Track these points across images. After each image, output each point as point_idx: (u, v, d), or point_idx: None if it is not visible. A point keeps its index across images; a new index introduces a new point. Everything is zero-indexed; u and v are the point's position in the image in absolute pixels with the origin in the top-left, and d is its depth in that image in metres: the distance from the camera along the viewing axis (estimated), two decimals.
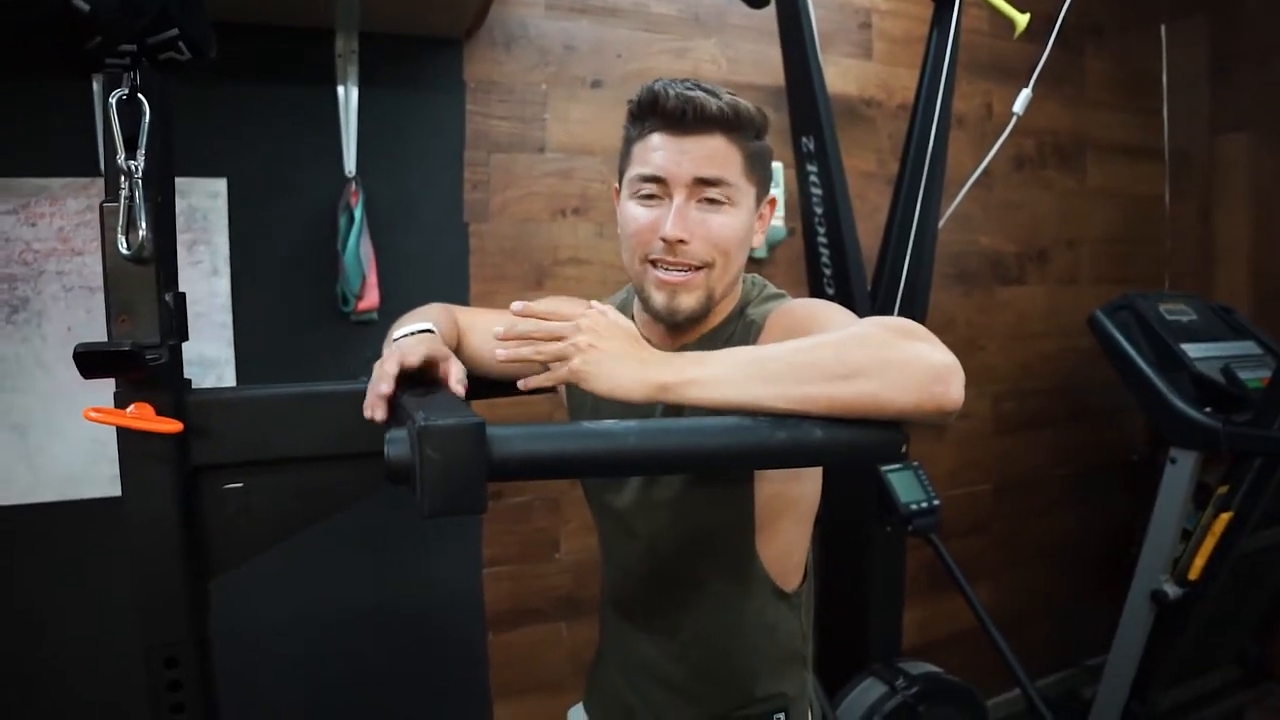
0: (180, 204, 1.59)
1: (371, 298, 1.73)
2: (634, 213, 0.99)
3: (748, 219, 1.00)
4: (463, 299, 1.86)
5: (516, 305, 0.88)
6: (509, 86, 1.91)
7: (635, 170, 0.99)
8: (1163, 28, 2.92)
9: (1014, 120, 1.99)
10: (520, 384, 0.89)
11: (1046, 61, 1.99)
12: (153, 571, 0.91)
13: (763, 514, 1.03)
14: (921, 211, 1.96)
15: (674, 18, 2.07)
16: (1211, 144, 2.81)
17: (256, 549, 0.99)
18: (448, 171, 1.86)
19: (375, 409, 0.84)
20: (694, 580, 1.07)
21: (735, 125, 0.96)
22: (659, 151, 0.96)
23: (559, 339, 0.83)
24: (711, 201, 0.96)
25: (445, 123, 1.85)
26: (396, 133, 1.80)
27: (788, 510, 1.07)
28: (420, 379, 0.89)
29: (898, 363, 0.77)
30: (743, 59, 2.15)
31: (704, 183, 0.95)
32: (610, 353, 0.82)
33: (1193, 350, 2.19)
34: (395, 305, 1.74)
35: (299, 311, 1.73)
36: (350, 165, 1.72)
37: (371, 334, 1.76)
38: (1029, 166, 2.66)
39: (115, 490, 0.90)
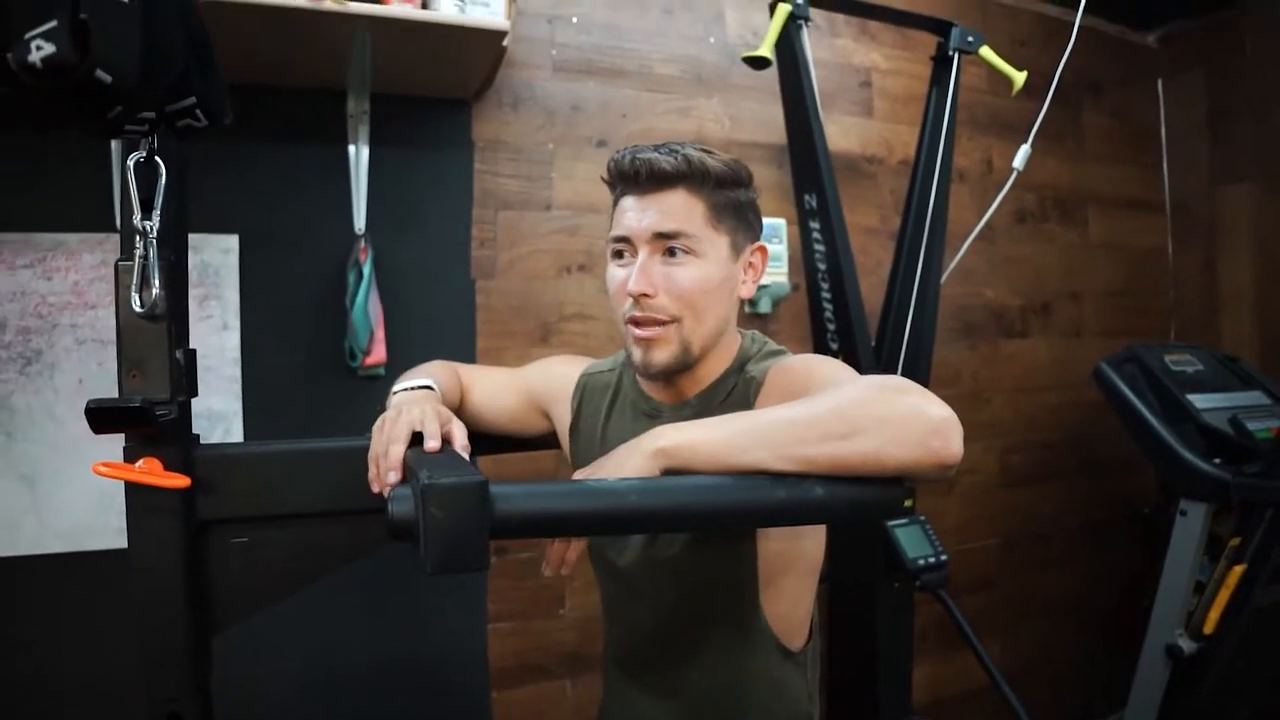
0: (193, 259, 1.63)
1: (379, 353, 1.75)
2: (611, 274, 1.03)
3: (718, 269, 1.01)
4: (469, 355, 1.88)
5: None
6: (516, 146, 1.95)
7: (610, 233, 1.04)
8: (1160, 83, 2.97)
9: (1014, 175, 2.03)
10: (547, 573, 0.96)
11: (1046, 117, 2.03)
12: (158, 625, 0.91)
13: (766, 572, 1.03)
14: (924, 266, 1.99)
15: (677, 78, 2.12)
16: (1213, 195, 2.83)
17: (261, 604, 0.99)
18: (456, 229, 1.89)
19: (386, 478, 0.85)
20: (697, 639, 1.06)
21: (691, 177, 0.99)
22: (627, 213, 1.00)
23: None
24: (672, 253, 0.99)
25: (454, 181, 1.89)
26: (406, 191, 1.84)
27: (791, 568, 1.07)
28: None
29: (896, 419, 0.78)
30: (745, 118, 2.19)
31: (662, 236, 0.98)
32: (604, 461, 0.88)
33: (1200, 401, 2.18)
34: (402, 360, 1.74)
35: (307, 366, 1.75)
36: (360, 223, 1.75)
37: (379, 389, 1.75)
38: (1031, 220, 2.69)
39: (122, 542, 0.91)
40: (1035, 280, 2.70)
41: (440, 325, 1.87)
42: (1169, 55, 2.96)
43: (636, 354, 1.01)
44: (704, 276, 0.99)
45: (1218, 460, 2.04)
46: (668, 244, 0.98)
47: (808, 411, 0.81)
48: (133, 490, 0.90)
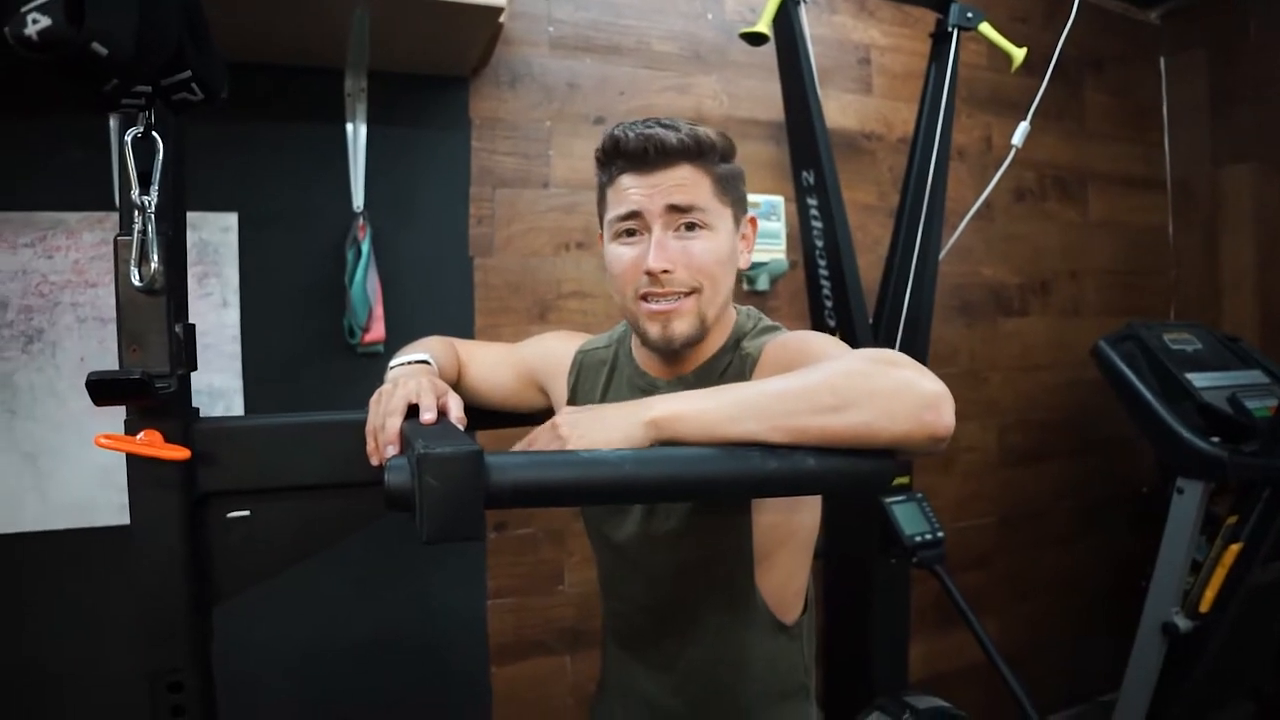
0: (192, 237, 1.64)
1: (378, 330, 1.76)
2: (617, 253, 1.02)
3: (727, 241, 1.02)
4: (468, 332, 1.89)
5: None
6: (514, 123, 1.95)
7: (612, 212, 1.02)
8: (1162, 61, 2.96)
9: (1013, 152, 2.02)
10: None
11: (1046, 95, 2.02)
12: (158, 597, 0.93)
13: (761, 545, 1.04)
14: (922, 243, 1.98)
15: (675, 55, 2.11)
16: (1214, 175, 2.83)
17: (261, 576, 1.01)
18: (453, 207, 1.89)
19: (385, 452, 0.86)
20: (692, 612, 1.07)
21: (698, 153, 0.99)
22: (631, 190, 0.99)
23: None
24: (689, 227, 0.99)
25: (451, 159, 1.89)
26: (404, 169, 1.84)
27: (787, 540, 1.07)
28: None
29: (887, 392, 0.78)
30: (744, 95, 2.19)
31: (678, 210, 0.98)
32: (592, 416, 0.85)
33: (1199, 380, 2.19)
34: (401, 337, 1.75)
35: (306, 343, 1.76)
36: (358, 200, 1.76)
37: (377, 365, 1.77)
38: (1030, 198, 2.68)
39: (123, 518, 0.92)
40: (1034, 258, 2.70)
41: (438, 303, 1.88)
42: (1171, 33, 2.94)
43: (654, 330, 1.00)
44: (718, 248, 1.00)
45: (1216, 439, 2.04)
46: (683, 218, 0.98)
47: (800, 383, 0.81)
48: (133, 462, 0.91)
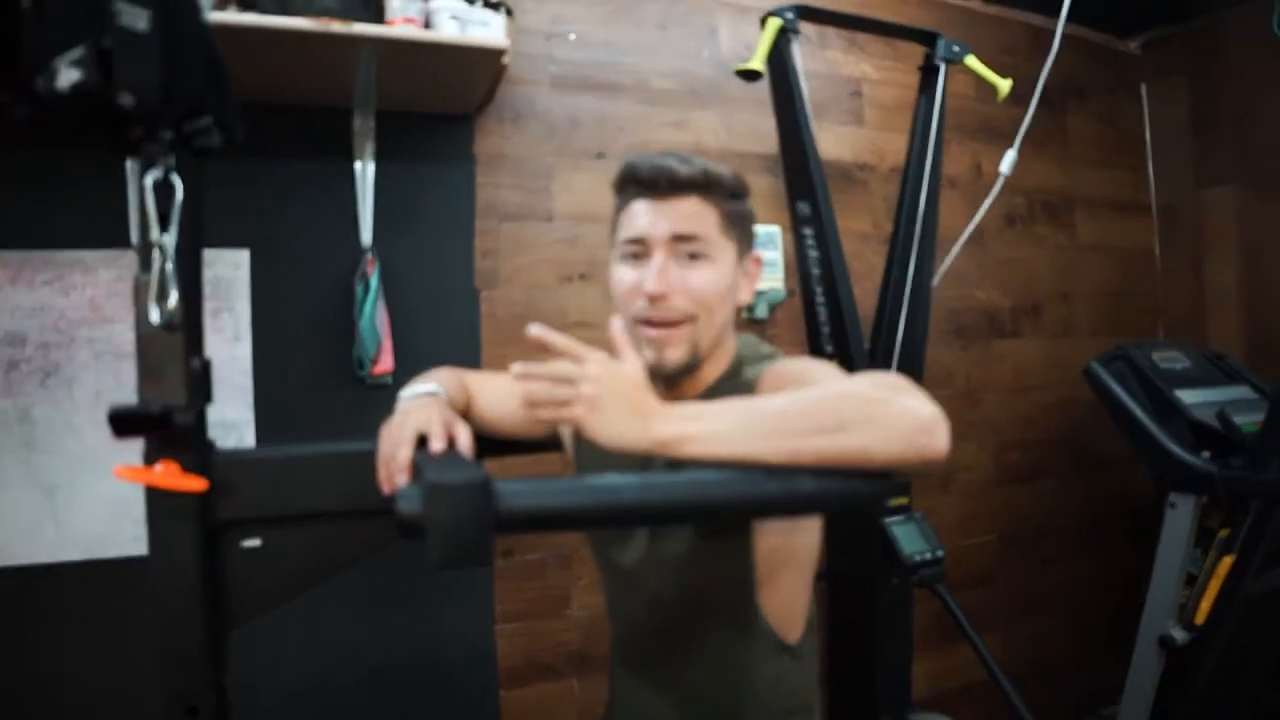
0: (205, 274, 1.67)
1: (386, 362, 1.80)
2: (620, 275, 1.06)
3: (728, 274, 1.06)
4: (474, 363, 1.93)
5: (533, 329, 0.93)
6: (517, 159, 2.01)
7: (620, 235, 1.07)
8: (1143, 87, 3.03)
9: (1001, 180, 2.08)
10: (526, 407, 0.91)
11: (1033, 123, 2.08)
12: (176, 621, 0.96)
13: (764, 566, 1.06)
14: (916, 270, 2.03)
15: (673, 92, 2.18)
16: (1198, 197, 2.88)
17: (275, 602, 1.04)
18: (459, 240, 1.95)
19: (397, 479, 0.89)
20: (697, 634, 1.09)
21: (707, 187, 1.04)
22: (640, 216, 1.04)
23: (569, 382, 0.87)
24: (691, 257, 1.03)
25: (457, 194, 1.95)
26: (411, 204, 1.89)
27: (789, 562, 1.10)
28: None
29: (884, 416, 0.81)
30: (740, 129, 2.25)
31: (681, 239, 1.02)
32: (613, 404, 0.86)
33: (1188, 397, 2.23)
34: (409, 369, 1.78)
35: (317, 375, 1.80)
36: (366, 236, 1.81)
37: (387, 396, 1.79)
38: (1020, 224, 2.74)
39: (138, 549, 0.95)
40: (1026, 282, 2.75)
41: (446, 334, 1.93)
42: (1152, 61, 3.01)
43: (648, 354, 1.03)
44: (718, 279, 1.04)
45: (1206, 454, 2.08)
46: (685, 247, 1.02)
47: (800, 403, 0.83)
48: (152, 493, 0.94)
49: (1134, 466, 2.76)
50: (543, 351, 0.95)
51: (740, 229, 1.09)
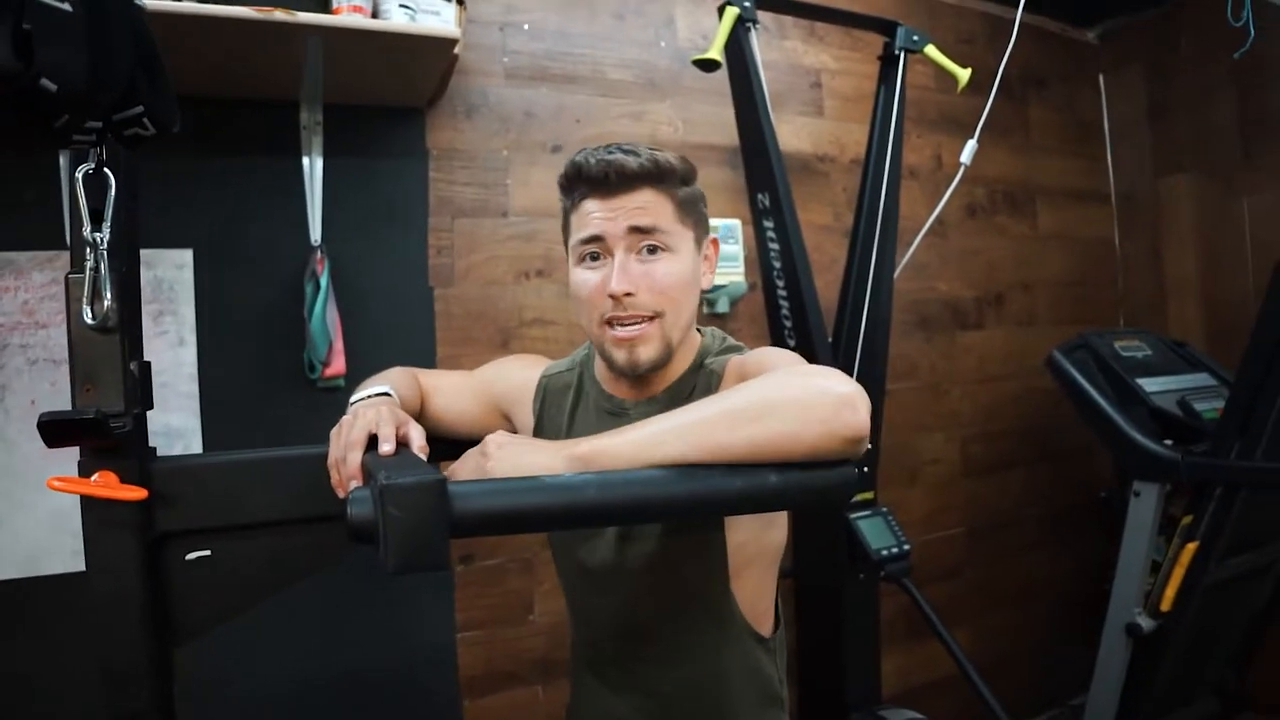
0: (146, 275, 1.62)
1: (338, 364, 1.74)
2: (582, 277, 1.03)
3: (690, 263, 1.04)
4: (429, 363, 1.88)
5: None
6: (471, 153, 1.95)
7: (575, 236, 1.03)
8: (1101, 77, 3.06)
9: (962, 170, 2.07)
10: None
11: (993, 113, 2.07)
12: (118, 640, 0.91)
13: (734, 561, 1.05)
14: (877, 261, 2.02)
15: (630, 83, 2.14)
16: (1155, 185, 2.92)
17: (224, 616, 0.99)
18: (412, 237, 1.89)
19: (345, 491, 0.86)
20: (674, 633, 1.07)
21: (659, 177, 1.01)
22: (593, 214, 1.00)
23: None
24: (650, 250, 1.00)
25: (409, 190, 1.89)
26: (361, 201, 1.83)
27: (757, 558, 1.08)
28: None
29: (799, 398, 0.80)
30: (698, 120, 2.22)
31: (639, 231, 0.99)
32: (516, 445, 0.87)
33: (1149, 385, 2.24)
34: (362, 370, 1.72)
35: (266, 379, 1.74)
36: (316, 234, 1.75)
37: (339, 400, 1.76)
38: (981, 214, 2.74)
39: (78, 565, 0.90)
40: (988, 272, 2.75)
41: (399, 334, 1.87)
42: (1109, 51, 3.04)
43: (620, 355, 1.01)
44: (681, 270, 1.02)
45: (1168, 441, 2.09)
46: (645, 240, 1.00)
47: (717, 404, 0.83)
48: (89, 504, 0.89)
49: (1097, 455, 2.81)
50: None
51: (695, 214, 1.06)
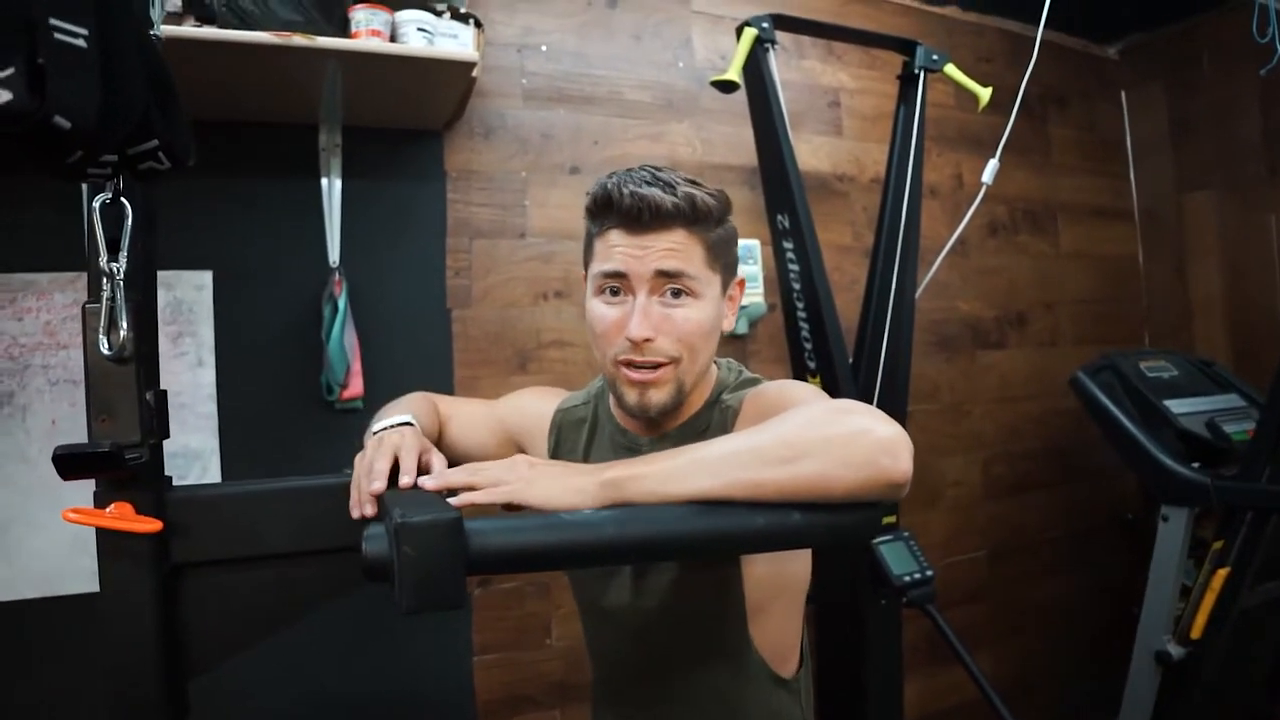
0: (166, 296, 1.63)
1: (356, 386, 1.74)
2: (600, 312, 0.99)
3: (714, 309, 1.00)
4: (447, 385, 1.87)
5: (427, 482, 0.87)
6: (489, 175, 1.95)
7: (597, 267, 0.99)
8: (1123, 95, 3.03)
9: (984, 190, 2.05)
10: (455, 500, 0.81)
11: (1013, 131, 2.05)
12: (132, 672, 0.90)
13: (754, 598, 1.02)
14: (899, 281, 2.00)
15: (648, 104, 2.14)
16: (1179, 203, 2.88)
17: (240, 647, 0.98)
18: (430, 259, 1.89)
19: (365, 507, 0.85)
20: (688, 674, 1.05)
21: (694, 218, 0.96)
22: (619, 248, 0.96)
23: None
24: (675, 294, 0.96)
25: (427, 212, 1.89)
26: (380, 223, 1.83)
27: (780, 593, 1.06)
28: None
29: (841, 439, 0.77)
30: (716, 141, 2.21)
31: (666, 275, 0.95)
32: (549, 470, 0.84)
33: (1176, 406, 2.20)
34: (380, 393, 1.75)
35: (284, 401, 1.74)
36: (334, 256, 1.75)
37: (357, 422, 1.75)
38: (1003, 233, 2.72)
39: (96, 586, 0.89)
40: (1009, 291, 2.72)
41: (417, 356, 1.87)
42: (1130, 67, 3.01)
43: (631, 397, 0.98)
44: (704, 318, 0.98)
45: (1196, 464, 2.05)
46: (670, 284, 0.95)
47: (754, 438, 0.80)
48: (104, 535, 0.88)
49: (1122, 476, 2.76)
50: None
51: (726, 256, 1.03)
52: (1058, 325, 2.84)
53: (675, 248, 0.95)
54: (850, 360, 2.00)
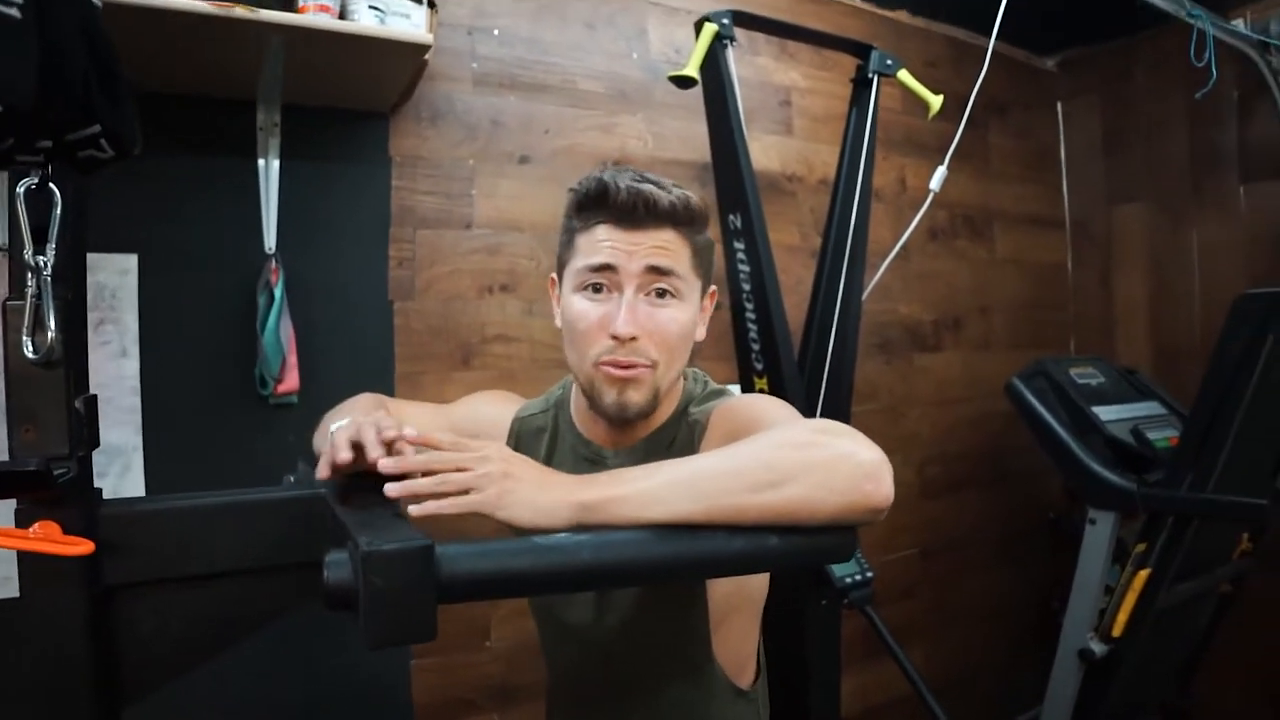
0: (87, 281, 1.51)
1: (291, 380, 1.66)
2: (581, 308, 0.96)
3: (692, 313, 1.00)
4: (388, 380, 1.80)
5: (410, 431, 0.82)
6: (436, 162, 1.88)
7: (582, 261, 0.96)
8: (1059, 106, 3.11)
9: (931, 196, 2.07)
10: (412, 510, 0.76)
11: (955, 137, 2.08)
12: (59, 703, 0.82)
13: (716, 613, 1.02)
14: (846, 284, 2.01)
15: (600, 94, 2.09)
16: (1109, 214, 2.98)
17: (175, 672, 0.91)
18: (372, 248, 1.81)
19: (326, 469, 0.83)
20: (651, 688, 1.04)
21: (686, 220, 0.96)
22: (607, 243, 0.94)
23: (463, 470, 0.78)
24: (660, 294, 0.95)
25: (370, 198, 1.81)
26: (319, 208, 1.75)
27: (742, 606, 1.07)
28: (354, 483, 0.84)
29: (824, 464, 0.76)
30: (668, 135, 2.18)
31: (656, 272, 0.94)
32: (526, 479, 0.78)
33: (1104, 413, 2.28)
34: (316, 387, 1.68)
35: (214, 395, 1.64)
36: (270, 242, 1.66)
37: (291, 418, 1.68)
38: (942, 237, 2.76)
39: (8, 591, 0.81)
40: (947, 296, 2.78)
41: (357, 349, 1.79)
42: (1068, 80, 3.10)
43: (609, 395, 0.96)
44: (686, 321, 0.97)
45: (1122, 470, 2.12)
46: (657, 282, 0.94)
47: (733, 460, 0.78)
48: (26, 558, 0.80)
49: (1047, 477, 2.85)
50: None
51: (706, 264, 1.02)
52: (991, 329, 2.91)
53: (666, 246, 0.94)
54: (795, 360, 2.00)
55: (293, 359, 1.66)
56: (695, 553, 0.77)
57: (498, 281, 1.94)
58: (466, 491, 0.76)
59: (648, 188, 0.93)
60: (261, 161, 1.67)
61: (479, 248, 1.93)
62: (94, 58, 0.70)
